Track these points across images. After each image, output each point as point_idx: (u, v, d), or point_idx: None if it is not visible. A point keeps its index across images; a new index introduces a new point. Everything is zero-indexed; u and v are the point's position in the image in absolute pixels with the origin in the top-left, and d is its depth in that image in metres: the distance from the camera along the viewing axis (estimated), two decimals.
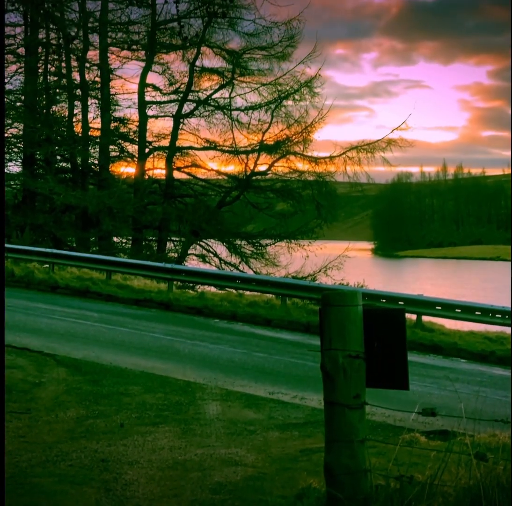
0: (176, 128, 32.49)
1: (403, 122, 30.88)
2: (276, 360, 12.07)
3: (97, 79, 33.65)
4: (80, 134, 33.01)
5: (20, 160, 34.47)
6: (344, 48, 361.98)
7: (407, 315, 15.79)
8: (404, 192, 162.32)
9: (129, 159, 34.73)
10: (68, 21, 33.78)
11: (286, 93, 31.93)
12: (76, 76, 33.10)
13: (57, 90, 34.95)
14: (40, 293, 19.24)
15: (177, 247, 33.72)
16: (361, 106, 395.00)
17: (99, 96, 33.28)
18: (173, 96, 33.20)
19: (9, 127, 33.18)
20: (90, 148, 33.50)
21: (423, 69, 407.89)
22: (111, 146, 33.80)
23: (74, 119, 33.55)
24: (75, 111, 33.49)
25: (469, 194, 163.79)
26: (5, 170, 33.19)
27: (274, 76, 32.03)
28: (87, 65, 33.19)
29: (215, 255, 32.69)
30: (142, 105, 32.56)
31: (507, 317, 16.17)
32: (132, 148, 34.12)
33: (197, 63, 32.24)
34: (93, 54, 33.30)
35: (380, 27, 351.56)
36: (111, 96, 33.36)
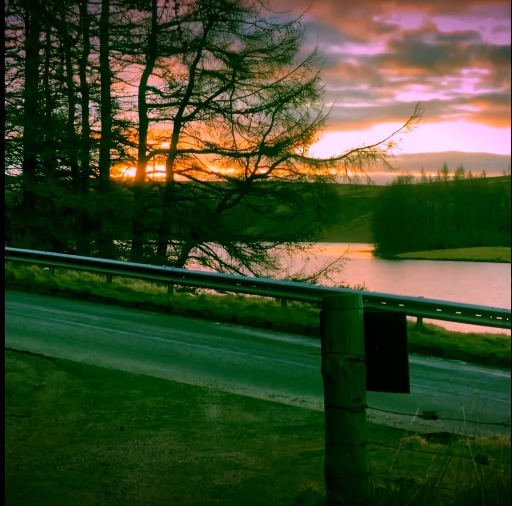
0: (176, 131, 32.51)
1: (405, 125, 30.93)
2: (277, 363, 12.06)
3: (97, 82, 33.71)
4: (80, 137, 33.03)
5: (21, 163, 34.53)
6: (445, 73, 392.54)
7: (408, 317, 15.82)
8: (404, 194, 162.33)
9: (129, 162, 34.78)
10: (69, 24, 33.81)
11: (286, 95, 31.96)
12: (76, 79, 33.16)
13: (58, 93, 35.01)
14: (40, 296, 19.23)
15: (177, 250, 33.73)
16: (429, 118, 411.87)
17: (100, 99, 33.33)
18: (173, 99, 33.23)
19: (9, 130, 33.22)
20: (90, 151, 33.53)
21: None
22: (111, 149, 33.83)
23: (74, 122, 33.61)
24: (76, 114, 33.59)
25: (469, 196, 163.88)
26: (6, 173, 33.24)
27: (275, 78, 32.10)
28: (88, 68, 33.25)
29: (216, 257, 32.68)
30: (143, 108, 32.58)
31: (507, 319, 16.16)
32: (133, 151, 34.16)
33: (198, 66, 32.29)
34: (94, 57, 33.42)
35: (475, 56, 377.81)
36: (111, 99, 33.38)
